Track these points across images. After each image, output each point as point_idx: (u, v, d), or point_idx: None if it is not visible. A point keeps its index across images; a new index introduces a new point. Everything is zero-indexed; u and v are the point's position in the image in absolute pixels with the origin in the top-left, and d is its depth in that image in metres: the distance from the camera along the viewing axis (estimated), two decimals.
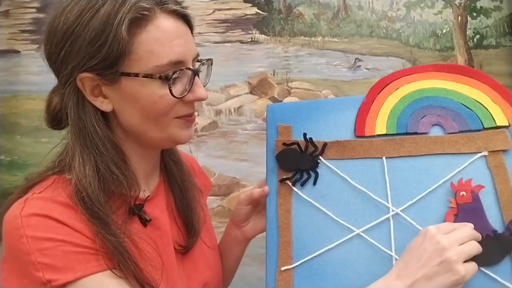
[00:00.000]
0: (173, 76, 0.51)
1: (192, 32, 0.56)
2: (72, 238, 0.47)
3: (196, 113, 0.58)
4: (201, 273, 0.64)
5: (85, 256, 0.48)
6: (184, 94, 0.53)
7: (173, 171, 0.65)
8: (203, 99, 0.55)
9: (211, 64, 0.61)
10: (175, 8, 0.52)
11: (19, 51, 1.39)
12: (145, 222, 0.56)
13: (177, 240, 0.61)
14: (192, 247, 0.63)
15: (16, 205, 0.49)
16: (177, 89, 0.52)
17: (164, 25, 0.51)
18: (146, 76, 0.50)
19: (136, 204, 0.55)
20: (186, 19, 0.55)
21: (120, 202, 0.54)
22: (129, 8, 0.49)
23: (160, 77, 0.51)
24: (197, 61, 0.57)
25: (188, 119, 0.56)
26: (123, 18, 0.48)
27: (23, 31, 1.40)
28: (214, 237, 0.75)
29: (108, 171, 0.51)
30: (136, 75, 0.50)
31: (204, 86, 0.56)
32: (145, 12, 0.50)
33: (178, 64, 0.52)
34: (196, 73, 0.54)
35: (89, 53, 0.49)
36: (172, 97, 0.51)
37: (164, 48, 0.51)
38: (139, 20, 0.50)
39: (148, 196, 0.58)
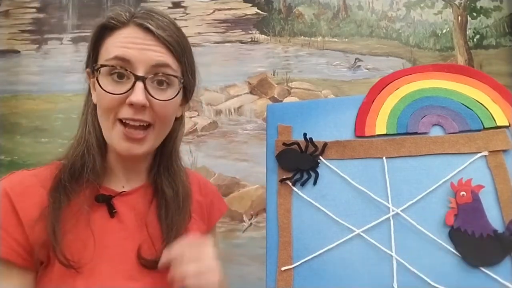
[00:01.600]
0: (108, 72, 0.57)
1: (169, 47, 0.60)
2: (7, 223, 0.55)
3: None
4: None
5: (1, 239, 0.54)
6: (117, 93, 0.56)
7: (168, 198, 0.65)
8: (133, 103, 0.56)
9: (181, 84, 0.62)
10: (142, 22, 0.59)
11: (19, 51, 1.40)
12: (112, 212, 0.61)
13: (145, 251, 0.60)
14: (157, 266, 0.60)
15: (7, 175, 0.60)
16: (119, 88, 0.57)
17: (127, 32, 0.59)
18: (95, 68, 0.59)
19: (105, 194, 0.61)
20: (157, 34, 0.59)
21: (91, 189, 0.60)
22: (106, 18, 0.60)
23: (92, 67, 0.59)
24: (158, 73, 0.59)
25: (127, 132, 0.58)
26: (97, 25, 0.61)
27: (23, 31, 1.40)
28: None
29: (82, 149, 0.60)
30: (96, 69, 0.59)
31: (163, 100, 0.59)
32: (114, 22, 0.59)
33: (124, 62, 0.57)
34: (139, 78, 0.57)
35: (87, 52, 0.63)
36: (113, 96, 0.57)
37: (117, 49, 0.58)
38: (109, 28, 0.60)
39: (122, 192, 0.63)
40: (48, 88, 1.37)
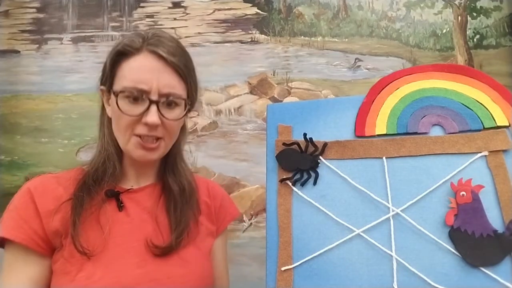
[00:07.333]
0: (125, 95, 0.65)
1: (178, 71, 0.68)
2: (26, 215, 0.64)
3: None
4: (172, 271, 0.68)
5: (20, 228, 0.63)
6: (134, 114, 0.65)
7: (175, 194, 0.74)
8: (148, 123, 0.65)
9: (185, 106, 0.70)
10: (154, 49, 0.67)
11: (19, 51, 1.40)
12: (120, 207, 0.69)
13: (153, 238, 0.68)
14: (168, 253, 0.67)
15: (34, 177, 0.70)
16: (135, 109, 0.66)
17: (141, 60, 0.67)
18: (115, 93, 0.66)
19: (114, 190, 0.70)
20: (169, 61, 0.67)
21: (106, 188, 0.69)
22: (121, 44, 0.68)
23: (113, 92, 0.67)
24: (169, 97, 0.67)
25: (142, 142, 0.67)
26: (114, 50, 0.69)
27: (23, 31, 1.41)
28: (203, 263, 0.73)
29: (103, 157, 0.70)
30: (114, 92, 0.67)
31: (171, 119, 0.68)
32: (129, 49, 0.67)
33: (140, 88, 0.65)
34: (152, 102, 0.65)
35: (102, 72, 0.72)
36: (130, 116, 0.65)
37: (133, 75, 0.66)
38: (124, 54, 0.68)
39: (130, 189, 0.72)
40: (48, 88, 1.37)
